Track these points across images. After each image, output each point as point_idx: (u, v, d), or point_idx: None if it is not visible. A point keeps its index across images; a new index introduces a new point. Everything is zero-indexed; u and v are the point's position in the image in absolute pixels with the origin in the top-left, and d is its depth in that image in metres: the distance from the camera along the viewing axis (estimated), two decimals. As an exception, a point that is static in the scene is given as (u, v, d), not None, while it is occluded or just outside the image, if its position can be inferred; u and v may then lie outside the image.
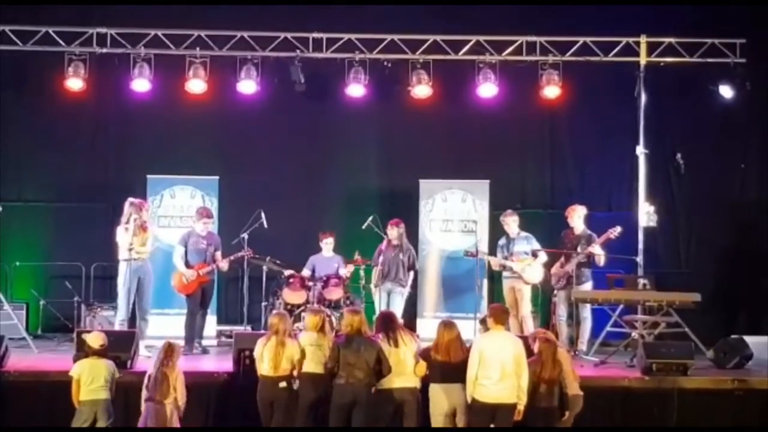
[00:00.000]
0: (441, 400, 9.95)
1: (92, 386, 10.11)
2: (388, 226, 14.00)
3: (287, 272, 13.85)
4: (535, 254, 13.74)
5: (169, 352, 10.07)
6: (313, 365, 10.10)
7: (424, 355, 10.10)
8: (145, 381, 10.07)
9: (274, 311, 11.25)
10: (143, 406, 10.01)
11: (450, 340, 10.01)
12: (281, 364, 10.08)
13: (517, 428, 9.97)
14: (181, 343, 12.87)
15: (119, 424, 10.58)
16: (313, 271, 14.11)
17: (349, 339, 9.97)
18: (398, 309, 13.62)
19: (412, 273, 14.10)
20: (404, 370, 10.03)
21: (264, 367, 10.12)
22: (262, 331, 11.46)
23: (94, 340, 10.30)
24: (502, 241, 14.01)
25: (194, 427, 10.50)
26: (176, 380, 10.01)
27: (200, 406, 10.56)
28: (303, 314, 13.33)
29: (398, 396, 10.01)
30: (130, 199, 13.06)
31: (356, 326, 10.05)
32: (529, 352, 10.11)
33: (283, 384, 10.10)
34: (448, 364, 9.92)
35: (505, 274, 13.93)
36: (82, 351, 10.66)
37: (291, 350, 10.15)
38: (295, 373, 10.16)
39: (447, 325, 10.19)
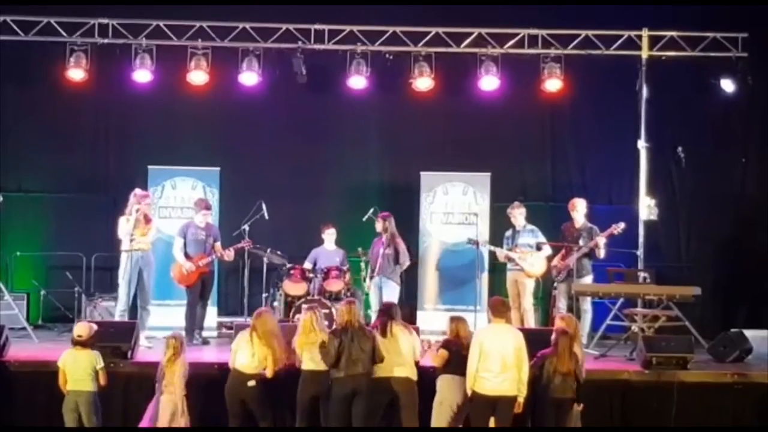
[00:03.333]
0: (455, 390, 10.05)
1: (76, 377, 10.15)
2: (377, 221, 13.94)
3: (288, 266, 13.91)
4: (539, 247, 13.73)
5: (172, 345, 10.17)
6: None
7: (446, 346, 10.17)
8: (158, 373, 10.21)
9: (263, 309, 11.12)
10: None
11: (467, 334, 10.13)
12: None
13: (524, 429, 10.04)
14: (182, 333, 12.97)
15: (117, 415, 10.67)
16: (315, 263, 14.12)
17: (345, 331, 10.03)
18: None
19: (399, 266, 13.84)
20: (400, 360, 10.12)
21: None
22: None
23: (78, 330, 10.32)
24: (508, 233, 14.00)
25: (194, 425, 10.51)
26: (178, 373, 10.12)
27: (199, 396, 10.55)
28: (303, 306, 13.40)
29: (394, 385, 10.10)
30: (135, 190, 13.08)
31: (350, 318, 10.11)
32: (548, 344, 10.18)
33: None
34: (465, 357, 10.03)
35: (509, 266, 13.92)
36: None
37: None
38: None
39: (461, 319, 10.31)
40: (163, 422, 10.10)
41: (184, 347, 10.36)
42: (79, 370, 10.13)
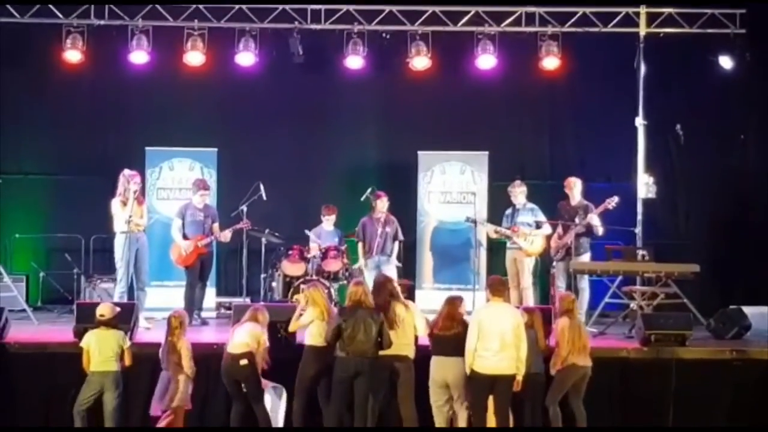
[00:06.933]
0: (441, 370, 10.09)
1: (101, 357, 10.15)
2: (379, 199, 13.93)
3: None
4: (538, 225, 13.72)
5: (173, 323, 10.22)
6: None
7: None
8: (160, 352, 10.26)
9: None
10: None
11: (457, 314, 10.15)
12: None
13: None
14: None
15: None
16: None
17: (352, 311, 10.00)
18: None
19: (396, 243, 13.99)
20: (404, 341, 10.12)
21: None
22: (261, 303, 11.56)
23: (101, 310, 10.31)
24: (508, 211, 13.97)
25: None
26: (182, 351, 10.15)
27: (199, 377, 10.56)
28: (302, 286, 13.40)
29: (390, 363, 10.08)
30: (124, 171, 13.06)
31: (358, 298, 10.09)
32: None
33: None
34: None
35: (508, 244, 13.90)
36: (82, 322, 10.71)
37: None
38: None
39: (454, 299, 10.30)
40: (184, 400, 10.20)
41: (185, 324, 10.41)
42: (104, 350, 10.13)
